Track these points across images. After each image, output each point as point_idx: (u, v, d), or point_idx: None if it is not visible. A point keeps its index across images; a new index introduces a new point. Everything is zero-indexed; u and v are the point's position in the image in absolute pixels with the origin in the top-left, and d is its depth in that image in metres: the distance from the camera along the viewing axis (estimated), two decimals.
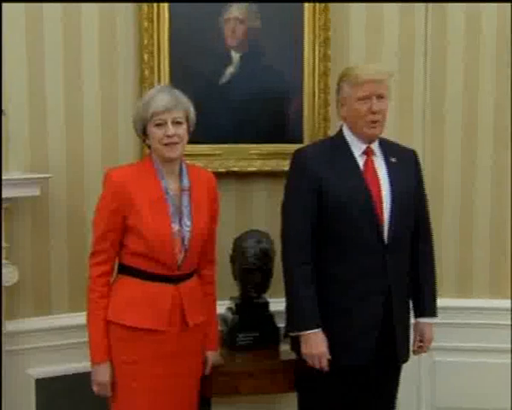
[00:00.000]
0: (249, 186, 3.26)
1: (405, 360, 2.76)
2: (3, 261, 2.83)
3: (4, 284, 2.82)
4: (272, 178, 3.21)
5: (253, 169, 3.21)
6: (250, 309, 3.09)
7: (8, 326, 2.90)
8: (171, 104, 2.48)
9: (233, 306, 3.13)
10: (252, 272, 3.00)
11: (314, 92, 3.23)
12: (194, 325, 2.58)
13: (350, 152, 2.66)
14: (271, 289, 3.08)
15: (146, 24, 3.03)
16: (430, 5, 3.31)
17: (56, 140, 2.99)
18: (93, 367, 2.53)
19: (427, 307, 2.77)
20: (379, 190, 2.62)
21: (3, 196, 2.71)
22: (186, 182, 2.57)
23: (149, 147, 2.58)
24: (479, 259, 3.41)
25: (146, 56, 3.04)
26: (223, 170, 3.15)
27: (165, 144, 2.48)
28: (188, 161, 2.66)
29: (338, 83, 2.71)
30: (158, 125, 2.48)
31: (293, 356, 2.80)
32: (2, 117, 2.81)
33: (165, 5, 3.05)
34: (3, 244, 2.83)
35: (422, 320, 2.78)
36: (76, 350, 2.95)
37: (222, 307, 3.06)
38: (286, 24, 3.18)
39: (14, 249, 2.92)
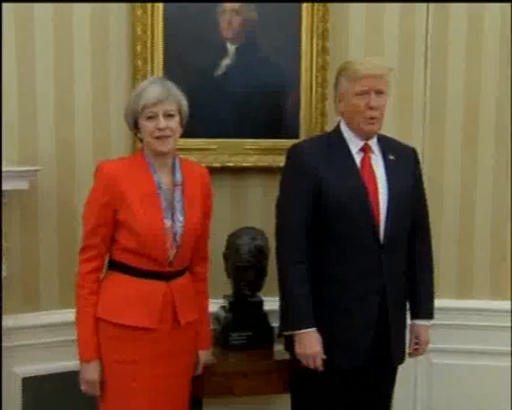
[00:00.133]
0: (244, 182, 3.23)
1: (401, 362, 2.73)
2: None
3: None
4: (268, 174, 3.17)
5: (249, 164, 3.18)
6: (243, 308, 3.07)
7: None
8: (163, 96, 2.44)
9: (226, 304, 3.11)
10: (245, 269, 2.98)
11: (311, 86, 3.18)
12: (187, 323, 2.55)
13: (347, 149, 2.63)
14: (265, 288, 3.06)
15: (139, 13, 2.99)
16: (431, 5, 3.29)
17: (46, 132, 2.96)
18: (82, 365, 2.51)
19: (423, 309, 2.74)
20: (376, 190, 2.59)
21: None
22: (179, 176, 2.54)
23: (141, 140, 2.55)
24: (479, 259, 3.39)
25: (139, 47, 3.00)
26: (217, 165, 3.12)
27: (157, 137, 2.45)
28: (181, 156, 2.62)
29: (336, 77, 2.68)
30: (149, 117, 2.45)
31: (287, 356, 2.77)
32: None
33: None
34: None
35: (418, 322, 2.75)
36: (66, 348, 2.89)
37: (215, 305, 3.05)
38: (283, 16, 3.13)
39: (2, 243, 2.85)
